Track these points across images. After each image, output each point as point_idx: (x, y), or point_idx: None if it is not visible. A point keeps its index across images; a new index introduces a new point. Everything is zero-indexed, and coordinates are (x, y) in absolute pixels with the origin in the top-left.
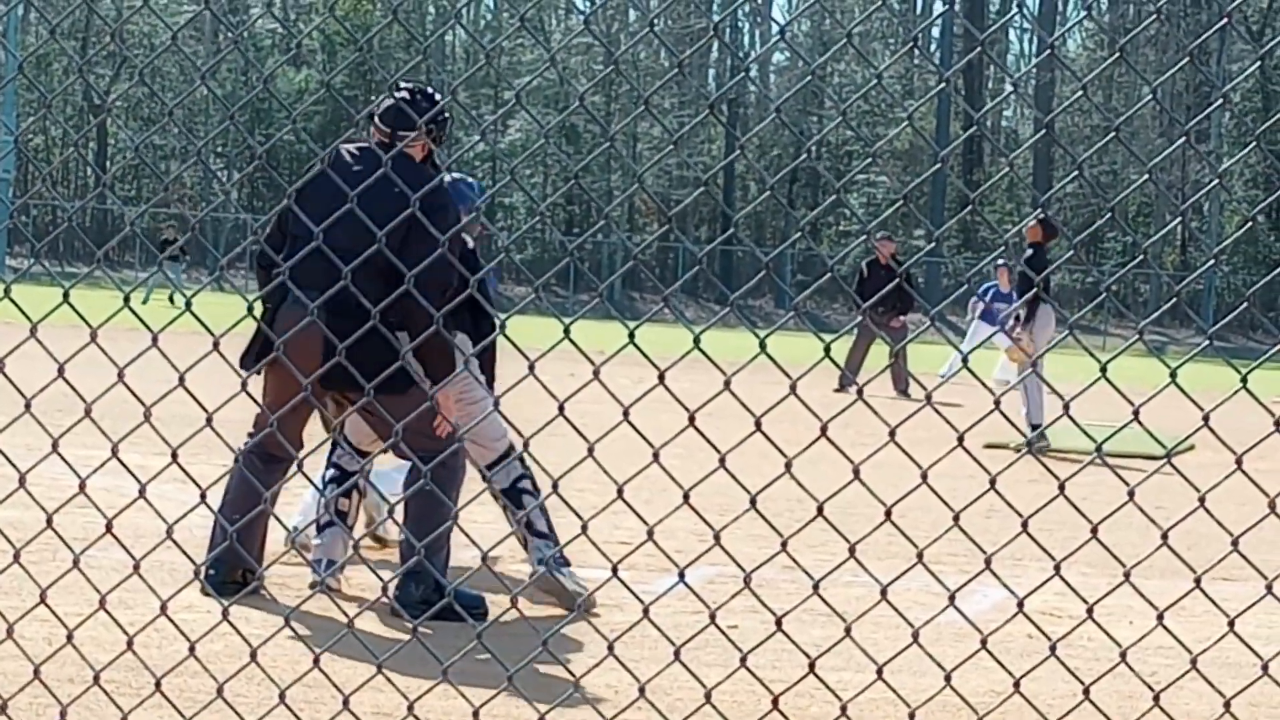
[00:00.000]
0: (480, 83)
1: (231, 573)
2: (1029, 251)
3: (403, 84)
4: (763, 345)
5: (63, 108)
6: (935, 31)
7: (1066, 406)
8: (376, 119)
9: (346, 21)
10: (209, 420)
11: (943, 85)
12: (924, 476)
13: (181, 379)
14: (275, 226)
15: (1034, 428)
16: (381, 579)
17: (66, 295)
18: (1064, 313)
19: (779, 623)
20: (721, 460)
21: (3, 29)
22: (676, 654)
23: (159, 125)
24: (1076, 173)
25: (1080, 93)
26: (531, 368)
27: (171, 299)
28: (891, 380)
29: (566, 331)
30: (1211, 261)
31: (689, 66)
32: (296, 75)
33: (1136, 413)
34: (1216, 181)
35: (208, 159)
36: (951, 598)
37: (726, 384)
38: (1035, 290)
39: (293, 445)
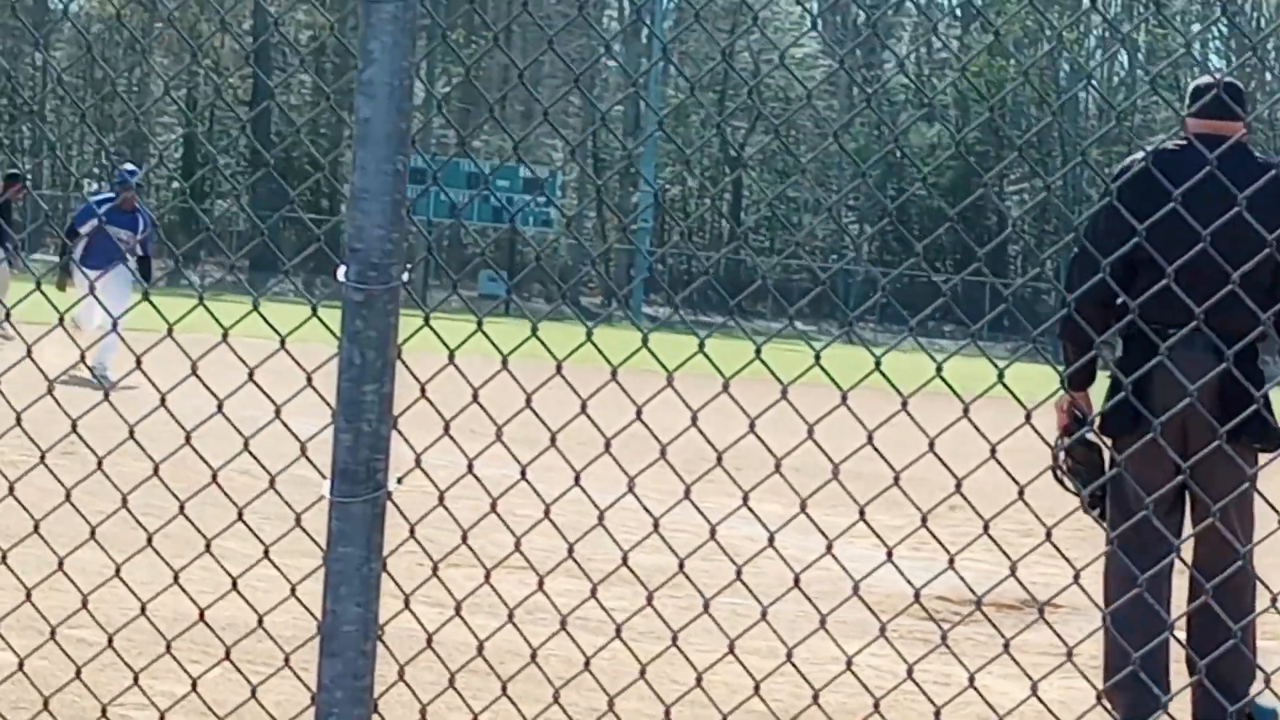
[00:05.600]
0: (1113, 140)
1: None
2: None
3: (1211, 75)
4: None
5: (700, 159)
6: None
7: None
8: (1196, 111)
9: (979, 78)
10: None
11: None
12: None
13: (809, 429)
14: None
15: None
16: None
17: (702, 346)
18: None
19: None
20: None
21: (644, 83)
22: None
23: (793, 178)
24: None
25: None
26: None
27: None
28: None
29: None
30: None
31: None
32: (929, 130)
33: None
34: None
35: (840, 212)
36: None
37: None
38: None
39: (1172, 535)
